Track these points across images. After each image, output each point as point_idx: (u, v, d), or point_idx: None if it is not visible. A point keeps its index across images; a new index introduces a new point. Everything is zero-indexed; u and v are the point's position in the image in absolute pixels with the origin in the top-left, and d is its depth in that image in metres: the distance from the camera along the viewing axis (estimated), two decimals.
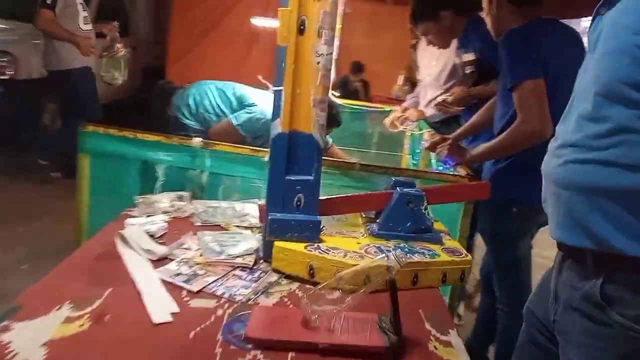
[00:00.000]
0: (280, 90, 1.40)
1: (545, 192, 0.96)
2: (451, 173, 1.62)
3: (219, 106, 2.38)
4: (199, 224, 1.40)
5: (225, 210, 1.49)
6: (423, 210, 1.22)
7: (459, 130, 2.07)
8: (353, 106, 4.15)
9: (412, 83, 5.86)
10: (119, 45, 3.76)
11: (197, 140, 1.61)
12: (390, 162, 4.33)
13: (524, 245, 1.77)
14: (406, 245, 1.20)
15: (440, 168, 1.79)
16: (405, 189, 1.23)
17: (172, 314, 0.95)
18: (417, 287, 1.13)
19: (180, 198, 1.54)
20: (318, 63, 1.07)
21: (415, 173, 1.56)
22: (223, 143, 1.62)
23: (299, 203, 1.15)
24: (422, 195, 1.22)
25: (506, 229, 1.72)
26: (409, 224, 1.22)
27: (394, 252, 0.90)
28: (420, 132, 2.59)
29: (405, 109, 2.84)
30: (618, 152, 0.78)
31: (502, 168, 1.70)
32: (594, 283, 0.82)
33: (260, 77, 1.51)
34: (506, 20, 1.64)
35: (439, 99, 2.35)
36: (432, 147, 2.09)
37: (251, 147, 1.61)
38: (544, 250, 1.80)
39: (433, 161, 2.28)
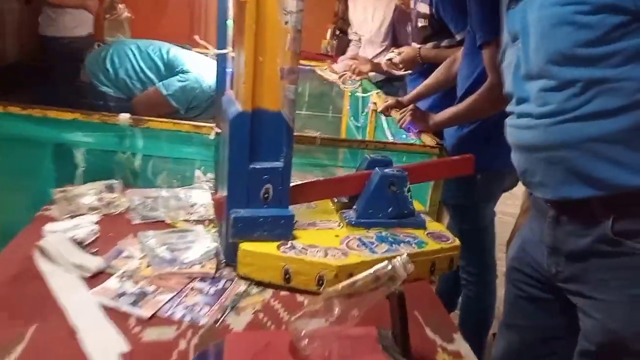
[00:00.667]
0: (224, 54, 1.18)
1: (526, 162, 1.00)
2: (421, 143, 1.48)
3: (142, 71, 2.06)
4: (137, 221, 1.16)
5: (167, 201, 1.25)
6: (406, 193, 1.08)
7: (412, 93, 1.93)
8: None
9: (342, 32, 5.67)
10: (121, 6, 3.24)
11: (124, 117, 1.33)
12: (328, 125, 4.17)
13: (489, 212, 1.70)
14: (389, 234, 1.05)
15: (404, 136, 1.65)
16: (385, 170, 1.07)
17: (121, 354, 0.74)
18: (404, 281, 1.00)
19: (110, 188, 1.27)
20: (286, 23, 0.86)
21: (384, 145, 1.40)
22: (157, 119, 1.36)
23: (266, 195, 0.95)
24: (405, 175, 1.07)
25: (471, 197, 1.64)
26: (390, 208, 1.07)
27: (399, 259, 0.74)
28: (367, 94, 2.43)
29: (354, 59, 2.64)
30: (598, 102, 0.85)
31: (467, 134, 1.59)
32: (604, 225, 0.88)
33: (197, 37, 1.25)
34: None
35: (387, 57, 2.17)
36: (386, 111, 1.95)
37: (191, 123, 1.37)
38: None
39: (384, 125, 2.15)
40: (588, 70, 0.86)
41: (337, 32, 5.70)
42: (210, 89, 1.99)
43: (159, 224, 1.15)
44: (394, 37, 2.69)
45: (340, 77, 2.69)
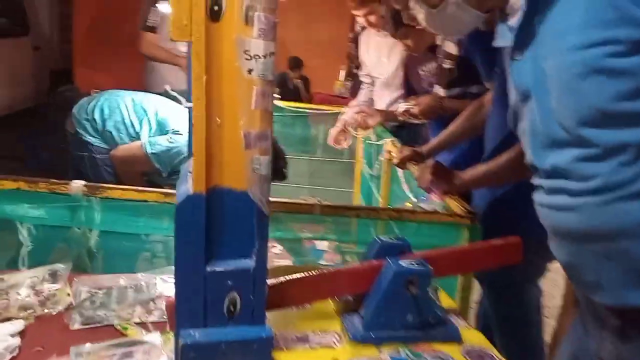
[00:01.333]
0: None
1: (571, 254, 0.78)
2: (446, 211, 1.19)
3: (133, 126, 1.85)
4: (77, 326, 0.89)
5: (123, 294, 0.99)
6: (430, 295, 0.78)
7: (432, 143, 1.65)
8: (295, 108, 3.67)
9: (353, 76, 5.51)
10: None
11: (77, 186, 1.08)
12: (341, 172, 3.90)
13: (534, 293, 1.38)
14: (409, 353, 0.76)
15: (423, 197, 1.36)
16: (401, 263, 0.78)
17: None
18: None
19: (54, 276, 1.01)
20: (250, 71, 0.60)
21: (399, 214, 1.12)
22: (118, 187, 1.10)
23: (232, 309, 0.68)
24: (428, 271, 0.78)
25: (510, 272, 1.33)
26: (409, 316, 0.78)
27: None
28: (380, 143, 2.16)
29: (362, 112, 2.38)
30: None
31: (502, 196, 1.30)
32: None
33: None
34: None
35: (402, 107, 1.90)
36: (402, 164, 1.67)
37: (161, 191, 1.11)
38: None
39: (401, 178, 1.87)
40: (637, 130, 0.67)
41: (354, 71, 5.53)
42: None
43: (104, 331, 0.88)
44: (407, 82, 2.41)
45: (333, 140, 2.45)
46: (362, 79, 2.81)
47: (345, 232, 1.21)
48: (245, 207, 0.65)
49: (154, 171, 1.73)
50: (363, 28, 2.62)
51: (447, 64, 1.66)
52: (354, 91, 5.22)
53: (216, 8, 0.59)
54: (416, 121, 1.89)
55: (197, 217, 0.64)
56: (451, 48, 1.66)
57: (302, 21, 6.56)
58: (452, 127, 1.53)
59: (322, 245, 3.02)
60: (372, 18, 2.22)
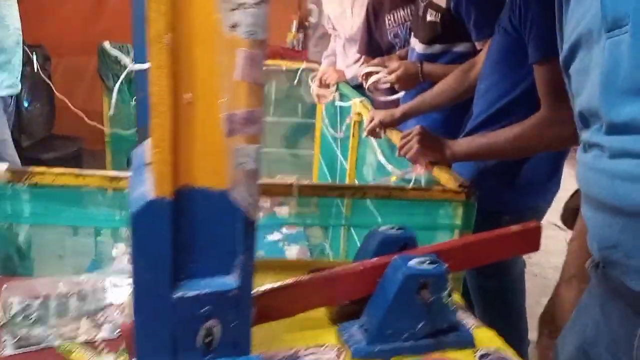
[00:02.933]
0: (144, 70, 0.74)
1: (625, 233, 0.63)
2: (438, 186, 1.07)
3: None
4: (9, 352, 0.71)
5: (65, 303, 0.81)
6: (446, 300, 0.66)
7: (407, 105, 1.52)
8: None
9: (305, 27, 5.25)
10: None
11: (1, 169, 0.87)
12: (298, 134, 3.73)
13: (518, 264, 1.32)
14: None
15: (408, 170, 1.23)
16: (411, 263, 0.65)
17: None
18: None
19: None
20: (234, 27, 0.42)
21: (389, 193, 0.99)
22: (51, 170, 0.89)
23: (209, 339, 0.52)
24: (444, 272, 0.65)
25: None
26: (421, 325, 0.66)
27: None
28: (347, 103, 2.01)
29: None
30: None
31: (492, 168, 1.20)
32: None
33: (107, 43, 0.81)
34: None
35: (371, 76, 1.71)
36: (373, 132, 1.54)
37: (106, 174, 0.91)
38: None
39: (374, 144, 1.72)
40: None
41: (305, 22, 5.27)
42: None
43: (43, 356, 0.70)
44: (368, 30, 2.16)
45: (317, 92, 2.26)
46: (329, 31, 2.59)
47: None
48: (226, 212, 0.49)
49: None
50: None
51: (431, 16, 1.50)
52: (306, 44, 4.96)
53: None
54: (388, 95, 1.73)
55: (161, 229, 0.47)
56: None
57: None
58: (436, 89, 1.40)
59: (283, 211, 2.90)
60: None
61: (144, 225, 0.47)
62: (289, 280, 0.65)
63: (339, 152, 2.36)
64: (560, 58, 0.72)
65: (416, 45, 1.60)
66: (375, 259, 0.70)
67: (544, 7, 0.97)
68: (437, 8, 1.49)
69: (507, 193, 1.23)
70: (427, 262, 0.66)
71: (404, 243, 0.73)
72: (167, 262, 0.49)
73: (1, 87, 1.86)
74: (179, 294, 0.50)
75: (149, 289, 0.49)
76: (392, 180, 1.29)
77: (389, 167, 1.48)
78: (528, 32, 1.00)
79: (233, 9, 0.41)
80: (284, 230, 2.54)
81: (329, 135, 2.67)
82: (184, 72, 0.43)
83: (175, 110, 0.44)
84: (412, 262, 0.66)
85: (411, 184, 1.24)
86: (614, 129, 0.61)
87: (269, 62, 3.71)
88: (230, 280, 0.52)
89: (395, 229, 0.74)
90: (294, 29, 6.09)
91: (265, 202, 2.84)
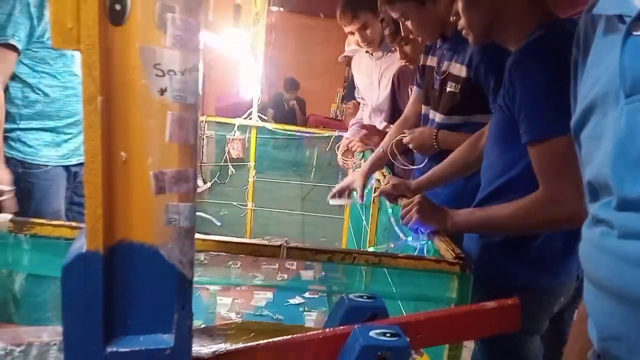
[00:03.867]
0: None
1: (620, 318, 0.58)
2: (434, 256, 1.03)
3: None
4: None
5: (45, 352, 0.82)
6: None
7: (422, 177, 1.51)
8: (289, 132, 3.55)
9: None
10: None
11: (2, 219, 0.92)
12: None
13: (533, 348, 1.22)
14: None
15: (409, 238, 1.21)
16: (371, 334, 0.62)
17: None
18: None
19: None
20: (162, 91, 0.45)
21: (379, 260, 0.97)
22: (49, 222, 0.94)
23: None
24: (405, 345, 0.62)
25: None
26: None
27: None
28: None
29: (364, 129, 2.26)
30: None
31: (501, 242, 1.15)
32: None
33: None
34: (508, 12, 1.07)
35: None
36: (387, 197, 1.53)
37: None
38: None
39: (389, 209, 1.72)
40: None
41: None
42: None
43: None
44: (393, 101, 2.23)
45: (341, 156, 2.32)
46: (359, 100, 2.68)
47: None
48: (159, 269, 0.50)
49: None
50: (347, 58, 2.52)
51: (450, 87, 1.52)
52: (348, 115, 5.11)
53: (118, 7, 0.44)
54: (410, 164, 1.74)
55: (92, 283, 0.48)
56: (458, 69, 1.51)
57: (301, 44, 6.51)
58: (447, 161, 1.39)
59: (308, 275, 2.86)
60: (368, 32, 2.10)
61: (74, 278, 0.48)
62: (243, 345, 0.64)
63: (363, 217, 2.35)
64: (572, 122, 0.68)
65: (435, 116, 1.62)
66: (339, 327, 0.67)
67: (532, 89, 0.96)
68: (456, 79, 1.51)
69: (517, 268, 1.17)
70: (389, 333, 0.63)
71: (372, 313, 0.70)
72: (98, 317, 0.49)
73: (74, 156, 1.91)
74: (112, 349, 0.50)
75: (78, 343, 0.50)
76: (390, 247, 1.26)
77: (400, 234, 1.45)
78: (517, 112, 0.99)
79: (159, 76, 0.44)
80: (307, 294, 2.50)
81: (357, 205, 2.67)
82: (118, 132, 0.46)
83: (110, 167, 0.47)
84: (372, 333, 0.63)
85: (416, 252, 1.21)
86: (627, 205, 0.56)
87: (312, 129, 3.83)
88: (166, 339, 0.52)
89: (364, 297, 0.72)
90: (337, 100, 6.33)
91: (292, 265, 2.83)
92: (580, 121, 0.64)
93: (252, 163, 3.43)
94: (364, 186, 1.78)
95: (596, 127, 0.61)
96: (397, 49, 1.95)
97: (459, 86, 1.52)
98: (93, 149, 0.45)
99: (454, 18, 1.14)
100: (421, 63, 1.72)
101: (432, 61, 1.66)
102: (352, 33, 2.23)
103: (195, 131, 0.47)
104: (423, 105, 1.70)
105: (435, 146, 1.56)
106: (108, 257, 0.48)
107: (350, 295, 0.72)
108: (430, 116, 1.67)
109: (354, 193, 1.85)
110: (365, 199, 2.09)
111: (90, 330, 0.49)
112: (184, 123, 0.46)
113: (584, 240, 0.65)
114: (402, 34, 1.81)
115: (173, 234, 0.49)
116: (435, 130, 1.57)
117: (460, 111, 1.55)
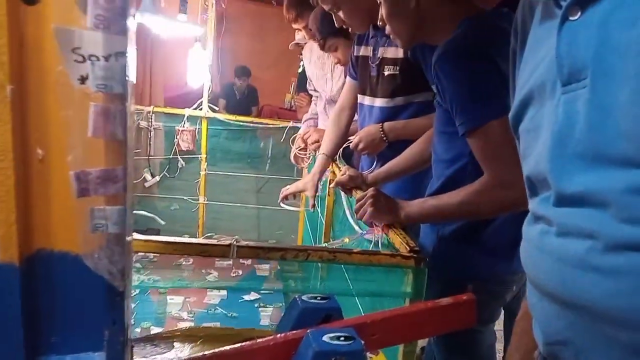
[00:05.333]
0: None
1: (571, 328, 0.54)
2: (389, 251, 1.02)
3: None
4: None
5: None
6: None
7: (379, 171, 1.50)
8: (242, 122, 3.47)
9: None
10: None
11: None
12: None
13: (487, 339, 1.23)
14: None
15: (364, 232, 1.18)
16: (324, 339, 0.59)
17: None
18: None
19: None
20: (83, 80, 0.40)
21: (334, 256, 0.94)
22: None
23: None
24: (360, 349, 0.59)
25: None
26: None
27: None
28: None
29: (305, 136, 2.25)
30: None
31: (454, 232, 1.15)
32: None
33: None
34: (430, 18, 1.09)
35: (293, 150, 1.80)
36: (342, 188, 1.51)
37: None
38: None
39: (343, 200, 1.70)
40: None
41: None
42: None
43: None
44: None
45: (295, 160, 2.30)
46: (311, 92, 2.65)
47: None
48: (85, 280, 0.44)
49: None
50: (299, 46, 2.48)
51: (389, 70, 1.52)
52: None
53: None
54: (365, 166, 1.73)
55: (8, 298, 0.42)
56: (393, 52, 1.52)
57: (254, 32, 6.38)
58: (403, 156, 1.39)
59: (263, 269, 2.81)
60: (312, 32, 2.08)
61: None
62: (188, 357, 0.59)
63: (319, 210, 2.32)
64: (510, 115, 0.65)
65: (375, 102, 1.62)
66: (291, 332, 0.64)
67: (457, 83, 0.97)
68: (393, 62, 1.52)
69: (471, 259, 1.17)
70: (343, 337, 0.60)
71: (326, 314, 0.67)
72: (18, 336, 0.44)
73: None
74: None
75: None
76: (345, 241, 1.24)
77: (356, 227, 1.43)
78: (450, 107, 1.00)
79: (79, 62, 0.39)
80: (263, 289, 2.46)
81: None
82: (33, 126, 0.40)
83: (24, 167, 0.41)
84: (326, 337, 0.60)
85: (371, 246, 1.19)
86: (564, 200, 0.52)
87: (266, 120, 3.77)
88: (96, 358, 0.47)
89: (318, 298, 0.69)
90: (292, 90, 6.26)
91: (247, 260, 2.77)
92: (518, 113, 0.62)
93: (203, 155, 3.33)
94: (315, 195, 1.79)
95: (533, 118, 0.58)
96: (330, 55, 2.00)
97: (397, 67, 1.54)
98: (3, 145, 0.39)
99: (380, 23, 1.14)
100: (354, 54, 1.72)
101: (365, 51, 1.66)
102: (299, 29, 2.22)
103: (124, 125, 0.42)
104: (359, 95, 1.70)
105: (384, 138, 1.56)
106: (26, 269, 0.43)
107: (303, 297, 0.69)
108: (368, 103, 1.67)
109: (306, 198, 1.85)
110: (314, 207, 2.07)
111: (10, 351, 0.43)
112: (110, 115, 0.41)
113: (524, 240, 0.62)
114: (331, 37, 1.83)
115: (100, 241, 0.43)
116: (380, 124, 1.57)
117: (403, 92, 1.56)
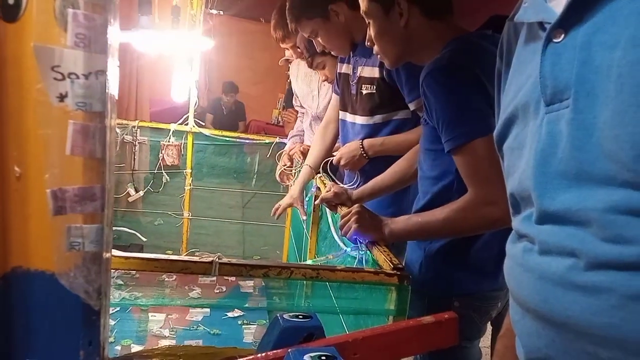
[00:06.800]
0: None
1: (554, 346, 0.54)
2: (372, 267, 1.02)
3: None
4: None
5: None
6: None
7: (362, 188, 1.50)
8: (229, 137, 3.46)
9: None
10: None
11: None
12: (275, 203, 3.71)
13: (473, 353, 1.23)
14: None
15: (348, 249, 1.19)
16: (306, 357, 0.59)
17: None
18: None
19: None
20: (62, 98, 0.40)
21: (317, 274, 0.93)
22: None
23: None
24: None
25: None
26: None
27: None
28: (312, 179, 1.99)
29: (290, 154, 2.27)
30: None
31: (438, 249, 1.15)
32: None
33: None
34: (418, 38, 1.11)
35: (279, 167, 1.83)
36: (328, 205, 1.51)
37: None
38: None
39: (328, 216, 1.70)
40: None
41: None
42: None
43: None
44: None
45: (280, 179, 2.33)
46: (297, 109, 2.66)
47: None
48: (61, 299, 0.44)
49: None
50: (288, 62, 2.50)
51: (366, 89, 1.55)
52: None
53: (11, 1, 0.38)
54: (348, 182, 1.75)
55: None
56: (369, 71, 1.55)
57: (242, 49, 6.41)
58: (387, 172, 1.40)
59: (247, 285, 2.78)
60: (299, 50, 2.11)
61: None
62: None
63: (304, 226, 2.31)
64: (495, 134, 0.66)
65: (356, 119, 1.64)
66: (272, 351, 0.63)
67: (443, 101, 0.99)
68: (370, 81, 1.55)
69: (457, 275, 1.17)
70: (324, 357, 0.60)
71: (307, 333, 0.66)
72: None
73: None
74: None
75: None
76: (330, 258, 1.24)
77: (340, 243, 1.43)
78: (437, 125, 1.02)
79: (59, 80, 0.39)
80: (247, 306, 2.43)
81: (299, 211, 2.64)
82: (11, 143, 0.40)
83: (2, 185, 0.40)
84: (307, 357, 0.59)
85: (355, 262, 1.19)
86: (546, 218, 0.53)
87: (252, 136, 3.77)
88: None
89: (300, 317, 0.68)
90: (279, 106, 6.28)
91: (230, 277, 2.75)
92: (503, 132, 0.62)
93: (188, 170, 3.31)
94: (303, 204, 1.79)
95: (517, 137, 0.59)
96: (317, 72, 2.04)
97: (374, 87, 1.57)
98: None
99: (368, 43, 1.16)
100: (338, 71, 1.76)
101: (347, 69, 1.71)
102: (287, 48, 2.25)
103: (103, 142, 0.42)
104: (340, 112, 1.73)
105: (364, 155, 1.59)
106: (1, 287, 0.42)
107: (285, 315, 0.68)
108: (349, 120, 1.70)
109: (292, 214, 1.88)
110: (306, 214, 2.08)
111: None
112: (89, 134, 0.41)
113: (508, 257, 0.63)
114: (318, 56, 1.87)
115: (76, 260, 0.43)
116: (360, 141, 1.60)
117: (381, 110, 1.59)
